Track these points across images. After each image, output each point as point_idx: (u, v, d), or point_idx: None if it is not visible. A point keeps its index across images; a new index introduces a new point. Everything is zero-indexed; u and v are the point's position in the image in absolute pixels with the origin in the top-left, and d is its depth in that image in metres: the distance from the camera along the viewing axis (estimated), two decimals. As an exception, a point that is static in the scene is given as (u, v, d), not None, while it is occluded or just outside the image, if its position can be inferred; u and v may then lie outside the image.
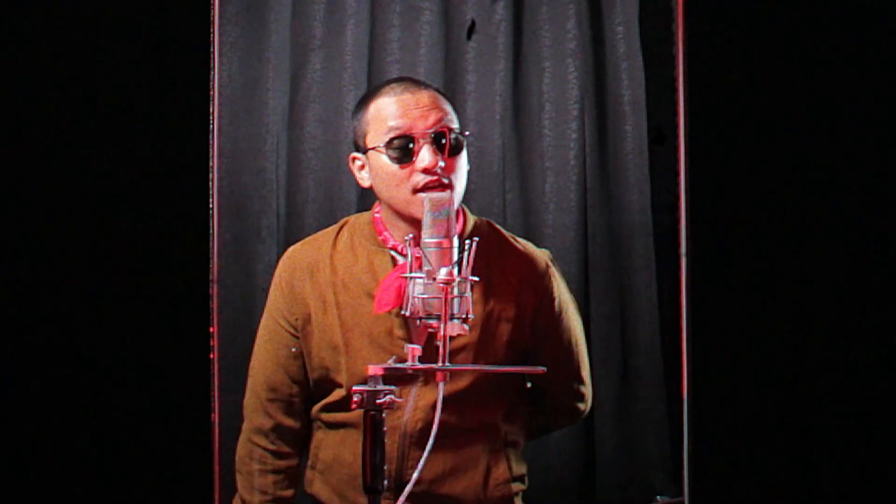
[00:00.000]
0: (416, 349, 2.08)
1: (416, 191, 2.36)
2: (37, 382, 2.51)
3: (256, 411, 2.50)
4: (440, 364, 2.09)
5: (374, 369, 2.06)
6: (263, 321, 2.52)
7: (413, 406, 2.39)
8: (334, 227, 2.53)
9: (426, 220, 2.19)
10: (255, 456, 2.50)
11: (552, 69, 3.12)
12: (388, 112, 2.39)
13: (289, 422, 2.48)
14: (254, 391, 2.51)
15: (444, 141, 2.36)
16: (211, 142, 2.66)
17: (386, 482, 2.07)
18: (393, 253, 2.42)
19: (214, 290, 2.56)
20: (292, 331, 2.47)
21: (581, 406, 2.61)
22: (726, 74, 2.63)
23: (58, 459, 2.50)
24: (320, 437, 2.49)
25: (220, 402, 2.65)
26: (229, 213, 2.90)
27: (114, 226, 2.52)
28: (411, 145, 2.36)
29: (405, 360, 2.09)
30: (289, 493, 2.49)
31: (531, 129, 3.13)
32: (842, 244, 2.61)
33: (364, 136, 2.43)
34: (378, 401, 2.03)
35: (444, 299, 2.10)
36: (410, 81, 2.46)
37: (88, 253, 2.51)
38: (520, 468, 2.52)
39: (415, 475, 2.09)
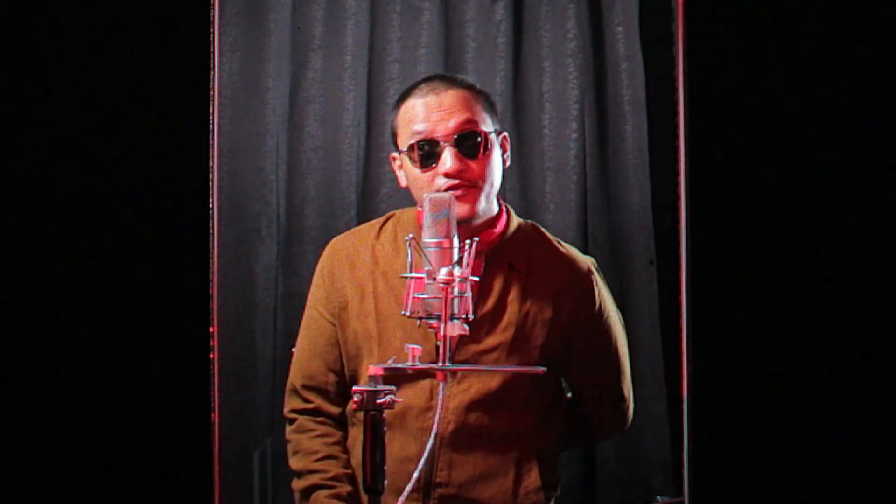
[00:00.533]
0: (416, 349, 2.08)
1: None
2: (36, 382, 2.51)
3: (294, 396, 2.52)
4: (440, 364, 2.09)
5: (374, 369, 2.06)
6: (306, 310, 2.54)
7: (443, 406, 2.36)
8: (380, 220, 2.54)
9: (426, 220, 2.20)
10: (300, 426, 2.49)
11: (552, 69, 3.12)
12: (413, 115, 2.38)
13: (327, 407, 2.49)
14: (294, 377, 2.53)
15: (474, 143, 2.35)
16: (211, 142, 2.66)
17: (411, 483, 2.08)
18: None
19: (214, 290, 2.56)
20: (331, 319, 2.48)
21: (618, 421, 2.59)
22: (726, 74, 2.63)
23: (58, 459, 2.50)
24: (354, 434, 2.47)
25: (220, 402, 2.65)
26: (229, 213, 2.90)
27: (114, 226, 2.52)
28: (434, 149, 2.35)
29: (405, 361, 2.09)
30: (339, 452, 2.46)
31: (531, 129, 3.13)
32: (842, 244, 2.61)
33: (396, 137, 2.44)
34: (378, 401, 2.03)
35: (444, 299, 2.10)
36: (440, 81, 2.43)
37: (88, 253, 2.51)
38: (552, 476, 2.48)
39: (415, 475, 2.09)
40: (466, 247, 2.15)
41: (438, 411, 2.10)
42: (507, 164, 2.47)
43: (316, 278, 2.53)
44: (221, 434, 2.63)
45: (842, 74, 2.61)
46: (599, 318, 2.48)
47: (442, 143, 2.35)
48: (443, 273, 2.11)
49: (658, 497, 3.04)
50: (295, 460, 2.49)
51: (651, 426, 3.06)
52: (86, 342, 2.51)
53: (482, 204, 2.39)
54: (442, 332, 2.09)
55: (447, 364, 2.10)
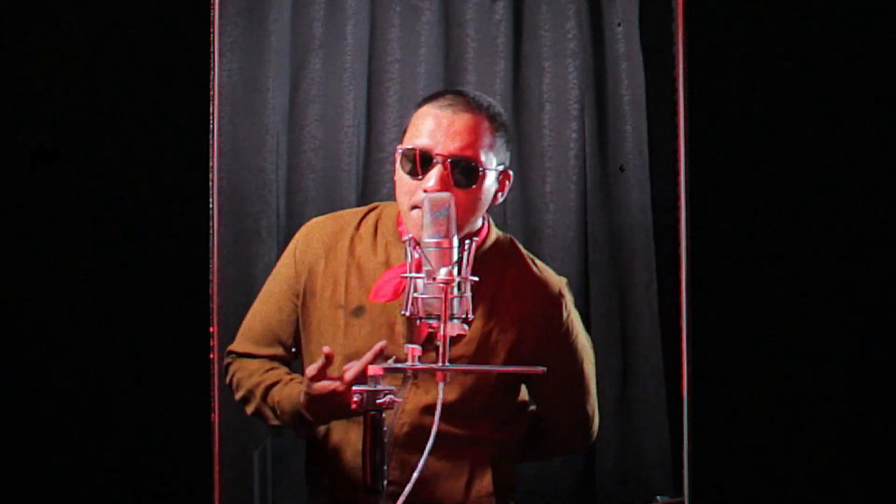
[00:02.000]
0: (415, 349, 2.08)
1: (412, 206, 2.34)
2: (36, 382, 2.51)
3: (240, 346, 2.54)
4: (440, 364, 2.09)
5: (373, 369, 2.06)
6: (269, 280, 2.54)
7: (400, 409, 2.38)
8: (363, 209, 2.54)
9: (426, 220, 2.20)
10: (238, 365, 2.53)
11: (552, 69, 3.12)
12: (423, 123, 2.36)
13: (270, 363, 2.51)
14: (240, 342, 2.55)
15: (466, 173, 2.32)
16: (211, 142, 2.65)
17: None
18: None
19: (214, 290, 2.56)
20: (294, 299, 2.48)
21: (581, 439, 2.61)
22: (726, 74, 2.63)
23: (58, 459, 2.50)
24: (335, 439, 2.47)
25: (220, 402, 2.65)
26: (229, 213, 2.90)
27: (114, 225, 2.52)
28: (427, 163, 2.33)
29: (405, 360, 2.09)
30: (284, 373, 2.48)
31: (531, 129, 3.13)
32: (842, 244, 2.61)
33: (404, 133, 2.43)
34: (378, 401, 2.03)
35: (443, 299, 2.10)
36: (463, 99, 2.38)
37: (88, 253, 2.50)
38: (507, 480, 2.49)
39: (415, 475, 2.09)
40: (466, 247, 2.15)
41: (438, 411, 2.10)
42: (499, 200, 2.45)
43: (287, 255, 2.52)
44: (221, 434, 2.63)
45: (842, 74, 2.61)
46: (565, 339, 2.49)
47: (435, 160, 2.33)
48: (442, 273, 2.11)
49: (658, 497, 3.04)
50: (242, 390, 2.50)
51: (651, 426, 3.06)
52: (86, 342, 2.51)
53: (452, 228, 2.30)
54: (442, 332, 2.09)
55: (447, 364, 2.10)
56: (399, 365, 2.08)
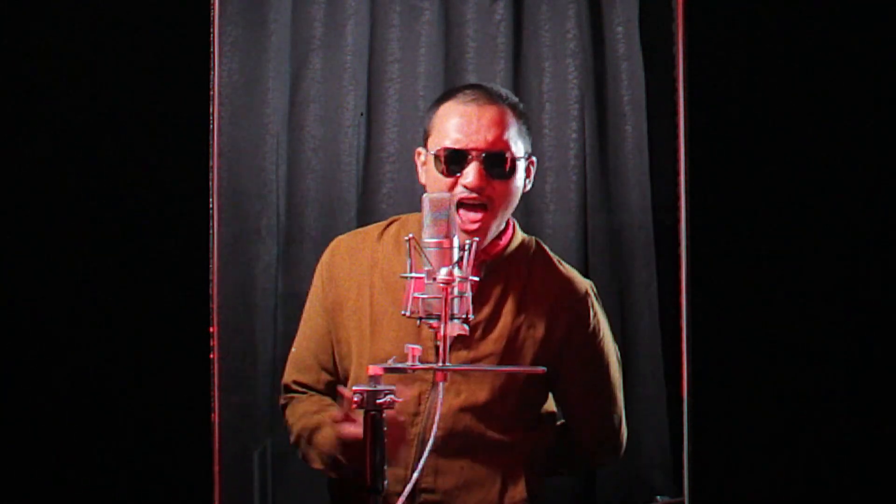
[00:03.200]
0: (416, 349, 2.08)
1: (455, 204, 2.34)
2: (36, 382, 2.51)
3: (286, 384, 2.54)
4: (440, 364, 2.09)
5: (374, 369, 2.06)
6: (305, 307, 2.56)
7: (439, 410, 2.35)
8: (384, 222, 2.56)
9: (426, 220, 2.20)
10: (293, 401, 2.52)
11: (552, 69, 3.12)
12: (450, 121, 2.38)
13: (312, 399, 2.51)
14: (286, 374, 2.55)
15: (501, 164, 2.36)
16: (211, 142, 2.66)
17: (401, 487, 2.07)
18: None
19: (214, 290, 2.57)
20: (326, 317, 2.50)
21: (609, 449, 2.57)
22: (726, 74, 2.63)
23: (57, 459, 2.50)
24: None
25: (220, 402, 2.65)
26: (229, 213, 2.90)
27: (114, 225, 2.52)
28: (462, 160, 2.36)
29: (405, 360, 2.09)
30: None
31: (531, 128, 3.13)
32: (842, 244, 2.61)
33: (428, 136, 2.44)
34: (378, 401, 2.03)
35: (443, 299, 2.10)
36: (484, 92, 2.42)
37: (88, 252, 2.50)
38: (538, 490, 2.47)
39: (414, 475, 2.08)
40: (466, 247, 2.15)
41: (438, 412, 2.10)
42: (528, 188, 2.49)
43: (316, 276, 2.55)
44: (221, 434, 2.63)
45: (842, 74, 2.61)
46: (592, 340, 2.49)
47: (470, 157, 2.35)
48: (443, 273, 2.11)
49: (658, 497, 3.04)
50: (293, 435, 2.50)
51: (651, 426, 3.06)
52: (86, 342, 2.51)
53: (493, 226, 2.41)
54: (442, 332, 2.09)
55: (447, 364, 2.09)
56: (399, 365, 2.08)
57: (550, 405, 2.58)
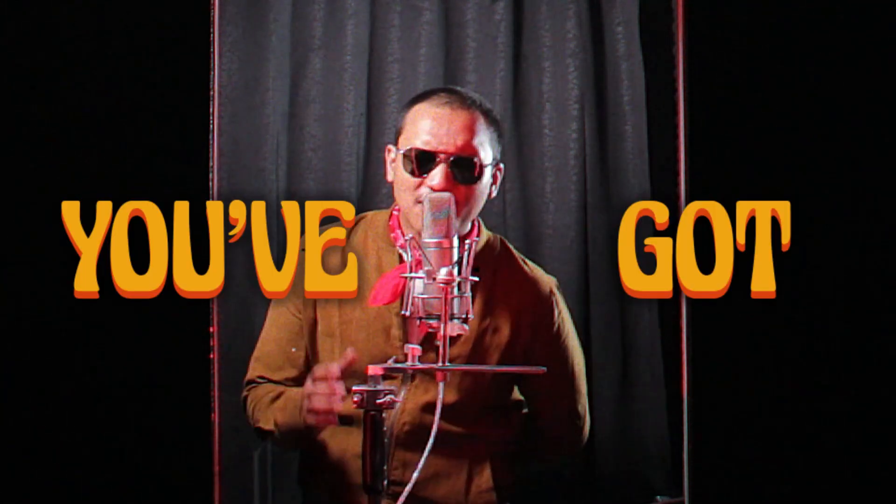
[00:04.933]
0: (415, 349, 2.09)
1: (417, 202, 2.36)
2: (37, 383, 2.51)
3: (250, 377, 2.54)
4: (440, 364, 2.09)
5: (373, 369, 2.06)
6: (271, 306, 2.56)
7: (400, 408, 2.40)
8: (353, 218, 2.53)
9: (426, 220, 2.20)
10: (253, 393, 2.52)
11: (552, 69, 3.12)
12: (421, 122, 2.39)
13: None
14: (251, 371, 2.55)
15: (468, 169, 2.36)
16: (211, 142, 2.66)
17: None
18: (401, 251, 2.44)
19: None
20: (297, 314, 2.50)
21: (573, 440, 2.61)
22: (726, 74, 2.63)
23: (58, 459, 2.50)
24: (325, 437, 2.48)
25: (220, 402, 2.65)
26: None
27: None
28: (429, 162, 2.36)
29: (405, 360, 2.09)
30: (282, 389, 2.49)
31: (531, 129, 3.13)
32: (842, 243, 2.61)
33: (399, 134, 2.44)
34: (378, 401, 2.03)
35: (443, 299, 2.10)
36: (458, 97, 2.42)
37: (88, 253, 2.51)
38: (506, 477, 2.51)
39: (414, 475, 2.09)
40: (466, 247, 2.15)
41: (438, 412, 2.10)
42: (493, 195, 2.48)
43: None
44: (221, 434, 2.63)
45: (842, 74, 2.61)
46: (557, 339, 2.51)
47: (438, 159, 2.36)
48: (443, 273, 2.11)
49: (658, 497, 3.04)
50: (259, 414, 2.49)
51: (651, 426, 3.06)
52: (86, 342, 2.51)
53: (456, 225, 2.35)
54: (442, 332, 2.09)
55: (447, 364, 2.10)
56: (399, 365, 2.08)
57: (516, 394, 2.60)
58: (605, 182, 3.12)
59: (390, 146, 2.49)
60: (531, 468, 2.74)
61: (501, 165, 2.48)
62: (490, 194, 2.47)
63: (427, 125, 2.37)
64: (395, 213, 2.49)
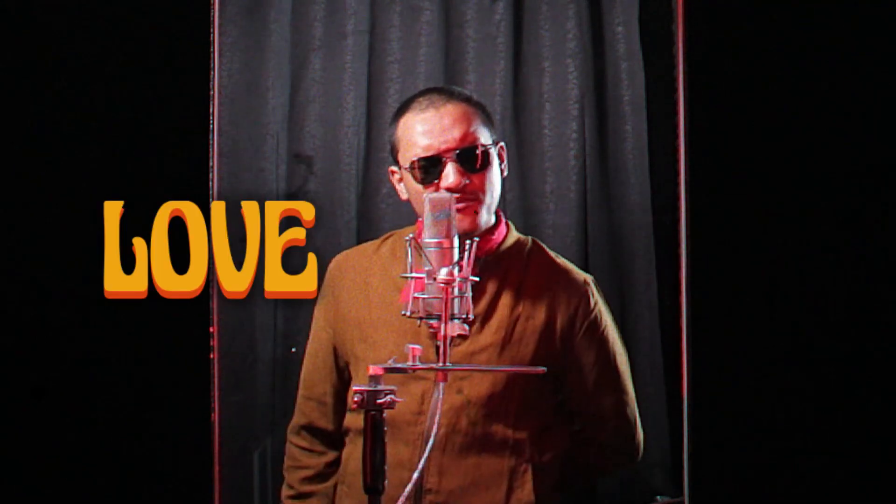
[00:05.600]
0: (416, 349, 2.08)
1: None
2: (37, 383, 2.51)
3: (297, 408, 2.55)
4: (440, 364, 2.09)
5: (374, 369, 2.06)
6: (312, 323, 2.57)
7: (439, 410, 2.33)
8: (381, 238, 2.57)
9: (427, 220, 2.20)
10: (289, 453, 2.55)
11: (552, 69, 3.12)
12: (413, 131, 2.38)
13: (321, 422, 2.51)
14: (300, 388, 2.56)
15: (475, 157, 2.36)
16: (211, 142, 2.66)
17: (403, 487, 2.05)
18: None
19: (214, 290, 2.57)
20: (329, 330, 2.51)
21: (626, 448, 2.52)
22: (726, 74, 2.63)
23: (58, 459, 2.50)
24: (350, 450, 2.48)
25: (220, 402, 2.65)
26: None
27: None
28: (436, 165, 2.36)
29: (405, 360, 2.09)
30: (310, 488, 2.51)
31: (531, 129, 3.13)
32: (842, 244, 2.61)
33: (396, 153, 2.44)
34: (378, 401, 2.02)
35: (444, 299, 2.10)
36: (438, 94, 2.43)
37: (88, 252, 2.51)
38: (549, 496, 2.42)
39: (415, 475, 2.08)
40: (467, 247, 2.15)
41: (438, 413, 2.09)
42: (506, 173, 2.48)
43: (320, 294, 2.54)
44: (221, 434, 2.63)
45: (842, 74, 2.61)
46: (595, 329, 2.45)
47: (444, 159, 2.35)
48: (443, 273, 2.11)
49: (658, 497, 3.04)
50: (285, 487, 2.56)
51: (651, 426, 3.06)
52: (86, 342, 2.52)
53: (483, 216, 2.41)
54: (442, 332, 2.09)
55: (447, 364, 2.09)
56: (399, 365, 2.08)
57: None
58: (605, 182, 3.12)
59: (392, 168, 2.48)
60: (579, 484, 2.63)
61: (502, 143, 2.48)
62: (503, 173, 2.46)
63: (420, 132, 2.37)
64: (420, 221, 2.44)
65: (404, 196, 2.47)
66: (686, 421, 2.65)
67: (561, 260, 2.52)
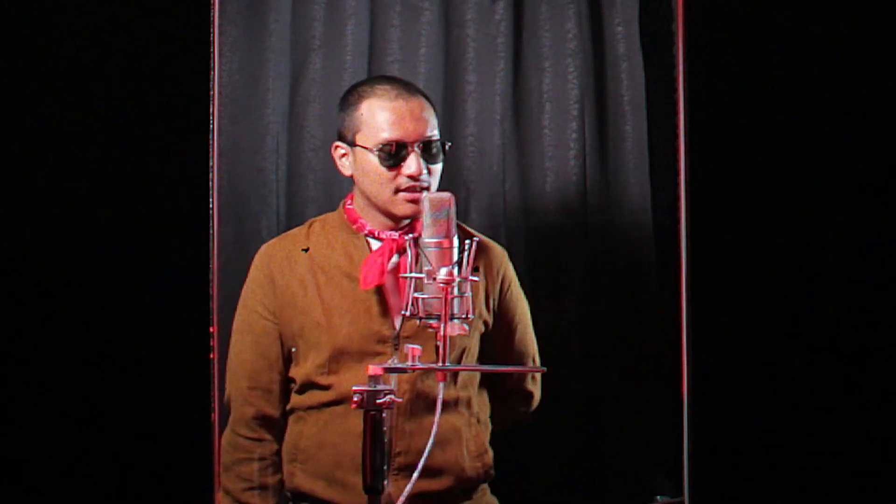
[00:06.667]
0: (416, 349, 2.09)
1: (397, 191, 2.51)
2: (37, 383, 2.51)
3: (238, 402, 2.58)
4: (440, 364, 2.10)
5: (373, 369, 2.06)
6: (239, 314, 2.61)
7: (439, 410, 2.38)
8: (303, 225, 2.68)
9: (426, 220, 2.20)
10: (238, 445, 2.57)
11: (552, 69, 3.12)
12: (383, 118, 2.53)
13: (269, 410, 2.57)
14: (234, 383, 2.59)
15: (435, 150, 2.53)
16: (211, 142, 2.66)
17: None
18: (369, 238, 2.56)
19: (214, 290, 2.57)
20: (272, 318, 2.57)
21: (533, 390, 2.75)
22: (726, 74, 2.63)
23: (58, 459, 2.50)
24: (299, 428, 2.56)
25: (220, 402, 2.65)
26: (229, 213, 2.90)
27: (114, 225, 2.52)
28: (401, 152, 2.51)
29: (405, 360, 2.10)
30: (272, 479, 2.57)
31: (531, 129, 3.13)
32: (842, 243, 2.61)
33: (354, 133, 2.56)
34: (378, 401, 2.03)
35: (444, 299, 2.10)
36: (400, 85, 2.59)
37: (88, 252, 2.51)
38: (486, 443, 2.63)
39: (420, 465, 2.09)
40: (467, 247, 2.16)
41: (438, 412, 2.10)
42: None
43: (250, 282, 2.61)
44: (221, 434, 2.63)
45: (842, 74, 2.61)
46: (517, 290, 2.70)
47: (409, 148, 2.51)
48: (443, 273, 2.11)
49: (658, 497, 3.04)
50: (228, 481, 2.57)
51: (651, 426, 3.06)
52: (86, 342, 2.52)
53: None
54: (442, 332, 2.09)
55: (447, 364, 2.10)
56: (399, 365, 2.09)
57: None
58: (605, 182, 3.12)
59: (338, 143, 2.59)
60: (500, 429, 2.76)
61: (447, 143, 2.61)
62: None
63: (389, 118, 2.52)
64: (348, 207, 2.61)
65: (347, 172, 2.59)
66: (686, 421, 2.65)
67: (480, 235, 2.66)
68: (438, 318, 2.10)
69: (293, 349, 2.56)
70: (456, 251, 2.17)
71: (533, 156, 3.13)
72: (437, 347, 2.11)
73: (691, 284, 2.64)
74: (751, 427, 2.59)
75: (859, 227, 2.61)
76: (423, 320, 2.14)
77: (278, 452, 2.58)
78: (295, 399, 2.57)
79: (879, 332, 2.59)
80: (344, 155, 2.59)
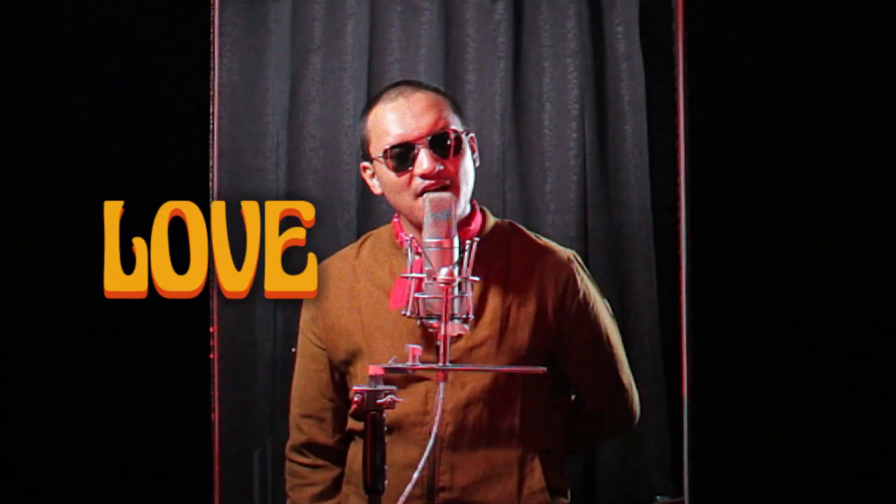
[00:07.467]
0: (416, 349, 2.08)
1: (417, 195, 2.33)
2: (36, 383, 2.51)
3: (292, 427, 2.52)
4: (440, 364, 2.09)
5: (374, 369, 2.06)
6: (299, 338, 2.54)
7: (440, 410, 2.34)
8: (359, 241, 2.55)
9: (426, 220, 2.20)
10: (292, 471, 2.51)
11: (552, 69, 3.12)
12: (385, 121, 2.36)
13: (321, 437, 2.48)
14: (291, 408, 2.53)
15: (447, 143, 2.34)
16: (211, 142, 2.66)
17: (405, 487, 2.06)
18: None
19: (214, 290, 2.57)
20: (319, 343, 2.48)
21: (625, 412, 2.52)
22: (726, 74, 2.63)
23: (58, 459, 2.50)
24: (355, 450, 2.45)
25: (220, 402, 2.65)
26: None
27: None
28: (409, 152, 2.34)
29: (405, 360, 2.09)
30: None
31: (531, 129, 3.13)
32: (842, 243, 2.61)
33: (367, 146, 2.41)
34: (378, 401, 2.02)
35: (444, 299, 2.10)
36: (407, 85, 2.42)
37: (88, 252, 2.51)
38: (558, 480, 2.45)
39: (415, 475, 2.08)
40: (467, 247, 2.15)
41: (438, 412, 2.09)
42: (478, 163, 2.44)
43: (304, 303, 2.52)
44: (221, 434, 2.63)
45: (842, 75, 2.61)
46: (585, 306, 2.44)
47: (417, 146, 2.33)
48: (443, 273, 2.11)
49: (658, 497, 3.04)
50: (287, 502, 2.52)
51: (651, 426, 3.06)
52: (86, 342, 2.51)
53: (461, 203, 2.37)
54: (442, 332, 2.09)
55: (447, 364, 2.09)
56: (399, 365, 2.08)
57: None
58: (605, 182, 3.13)
59: (363, 164, 2.45)
60: (579, 451, 2.68)
61: (472, 135, 2.44)
62: (475, 163, 2.43)
63: (391, 120, 2.36)
64: (395, 220, 2.45)
65: (377, 191, 2.44)
66: (686, 421, 2.65)
67: (542, 240, 2.51)
68: (439, 318, 2.10)
69: (345, 374, 2.47)
70: (456, 251, 2.17)
71: (533, 156, 3.13)
72: (436, 347, 2.11)
73: (691, 284, 2.64)
74: (751, 427, 2.59)
75: (860, 228, 2.61)
76: (423, 320, 2.13)
77: (338, 478, 2.49)
78: (351, 421, 2.46)
79: (880, 332, 2.59)
80: (372, 175, 2.44)
